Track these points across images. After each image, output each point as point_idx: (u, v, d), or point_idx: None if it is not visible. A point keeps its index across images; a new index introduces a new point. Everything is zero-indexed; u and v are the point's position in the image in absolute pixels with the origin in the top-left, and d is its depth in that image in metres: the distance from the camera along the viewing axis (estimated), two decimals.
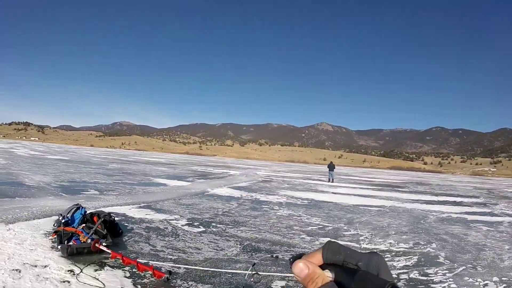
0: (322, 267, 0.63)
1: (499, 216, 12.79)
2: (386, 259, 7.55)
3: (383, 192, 22.22)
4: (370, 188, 26.31)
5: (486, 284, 6.06)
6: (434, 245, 8.78)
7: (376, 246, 8.67)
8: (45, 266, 5.96)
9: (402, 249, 8.36)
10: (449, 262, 7.44)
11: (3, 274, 5.44)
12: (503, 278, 6.30)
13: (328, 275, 0.61)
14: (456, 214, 13.53)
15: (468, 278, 6.40)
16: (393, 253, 7.98)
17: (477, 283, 6.15)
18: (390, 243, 8.87)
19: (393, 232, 10.02)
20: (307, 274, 0.61)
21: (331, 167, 29.39)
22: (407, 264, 7.23)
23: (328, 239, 9.08)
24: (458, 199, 19.66)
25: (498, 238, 9.24)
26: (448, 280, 6.31)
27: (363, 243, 8.86)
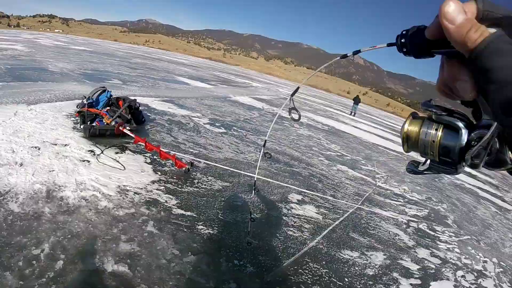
0: None
1: (508, 203, 12.07)
2: (398, 203, 7.36)
3: None
4: (390, 133, 25.38)
5: (485, 261, 5.83)
6: (445, 206, 8.54)
7: (390, 187, 8.60)
8: (65, 145, 5.91)
9: (415, 198, 8.35)
10: (456, 227, 7.24)
11: (21, 150, 5.38)
12: (501, 263, 6.00)
13: (491, 29, 0.44)
14: (469, 185, 12.75)
15: (471, 249, 6.20)
16: (406, 200, 7.94)
17: (478, 257, 5.94)
18: (404, 189, 8.84)
19: (408, 180, 9.80)
20: (467, 19, 0.45)
21: (356, 100, 28.43)
22: (417, 214, 7.21)
23: (346, 167, 8.90)
24: (473, 172, 18.69)
25: (504, 224, 8.75)
26: (453, 243, 6.19)
27: (379, 181, 8.80)
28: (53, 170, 4.88)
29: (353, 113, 28.52)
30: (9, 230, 3.42)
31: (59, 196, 4.22)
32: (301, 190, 6.34)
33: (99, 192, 4.47)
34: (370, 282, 3.98)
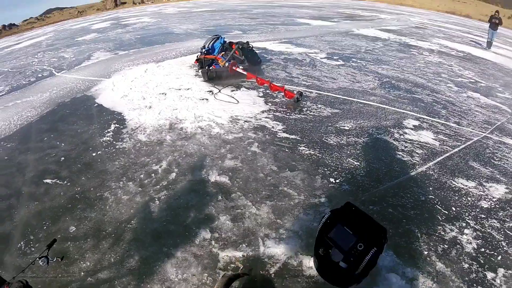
0: None
1: None
2: None
3: None
4: None
5: None
6: None
7: None
8: (188, 89, 6.93)
9: None
10: None
11: (150, 97, 6.64)
12: None
13: None
14: None
15: None
16: None
17: None
18: None
19: None
20: None
21: (493, 24, 22.10)
22: None
23: (478, 95, 7.72)
24: None
25: None
26: None
27: None
28: (176, 109, 5.92)
29: (489, 41, 18.97)
30: (136, 154, 4.50)
31: (180, 127, 5.17)
32: (420, 116, 5.95)
33: (213, 122, 5.26)
34: (482, 215, 3.53)
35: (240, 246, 2.97)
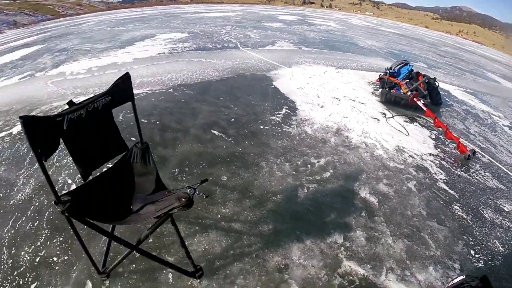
0: None
1: None
2: None
3: None
4: None
5: None
6: None
7: None
8: (362, 103, 7.10)
9: None
10: None
11: (324, 98, 7.04)
12: None
13: None
14: None
15: None
16: None
17: None
18: None
19: None
20: None
21: None
22: None
23: None
24: None
25: None
26: None
27: None
28: (346, 117, 6.14)
29: None
30: (299, 142, 4.92)
31: (346, 135, 5.38)
32: None
33: (379, 143, 5.32)
34: None
35: (365, 265, 3.02)
